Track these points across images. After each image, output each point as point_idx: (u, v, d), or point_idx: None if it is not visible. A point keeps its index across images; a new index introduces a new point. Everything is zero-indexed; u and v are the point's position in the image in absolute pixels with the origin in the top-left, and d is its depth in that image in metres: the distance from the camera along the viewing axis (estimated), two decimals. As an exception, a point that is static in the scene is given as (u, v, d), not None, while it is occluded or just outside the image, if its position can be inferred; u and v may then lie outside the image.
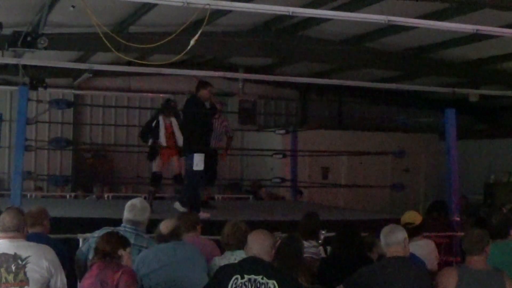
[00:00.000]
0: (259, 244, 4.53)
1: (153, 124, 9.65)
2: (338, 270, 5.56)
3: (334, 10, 9.59)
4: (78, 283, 5.47)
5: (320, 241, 6.66)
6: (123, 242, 4.74)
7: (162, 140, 9.51)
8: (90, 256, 5.30)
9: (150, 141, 9.75)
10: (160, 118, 9.63)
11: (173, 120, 9.69)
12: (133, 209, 5.53)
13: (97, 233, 5.44)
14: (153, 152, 9.66)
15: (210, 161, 10.13)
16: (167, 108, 9.81)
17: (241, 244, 5.18)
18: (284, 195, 14.42)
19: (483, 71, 14.39)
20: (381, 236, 4.87)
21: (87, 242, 5.58)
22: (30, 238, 4.73)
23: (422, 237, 6.87)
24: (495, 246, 5.49)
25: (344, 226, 6.27)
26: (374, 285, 4.65)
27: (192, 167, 8.81)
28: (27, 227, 4.77)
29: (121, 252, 4.65)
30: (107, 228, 5.43)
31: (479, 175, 15.86)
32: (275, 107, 18.25)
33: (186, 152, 9.07)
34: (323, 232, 6.69)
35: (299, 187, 13.41)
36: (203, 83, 9.35)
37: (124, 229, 5.41)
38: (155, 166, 9.71)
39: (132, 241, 5.07)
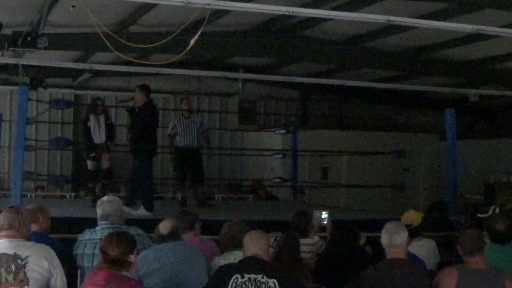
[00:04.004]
0: (256, 244, 4.54)
1: (88, 124, 9.95)
2: (334, 266, 5.58)
3: (334, 10, 9.59)
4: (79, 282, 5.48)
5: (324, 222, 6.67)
6: (133, 244, 4.46)
7: (94, 137, 9.88)
8: (86, 263, 5.26)
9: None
10: (91, 116, 9.94)
11: (101, 118, 9.98)
12: (101, 204, 5.56)
13: (89, 235, 5.41)
14: (90, 150, 9.99)
15: (194, 160, 10.37)
16: (96, 107, 10.07)
17: (239, 244, 5.19)
18: (284, 195, 14.41)
19: (483, 71, 14.39)
20: (385, 235, 4.79)
21: (80, 244, 5.47)
22: (29, 237, 4.72)
23: (422, 237, 6.86)
24: (496, 250, 5.48)
25: (339, 223, 6.26)
26: (377, 288, 4.64)
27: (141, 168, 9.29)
28: (28, 227, 4.75)
29: (131, 257, 4.40)
30: (92, 230, 5.44)
31: (479, 175, 15.86)
32: (275, 107, 18.25)
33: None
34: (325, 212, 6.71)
35: (300, 186, 13.42)
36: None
37: (100, 227, 5.39)
38: (90, 164, 10.08)
39: None
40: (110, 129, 10.14)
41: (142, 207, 9.08)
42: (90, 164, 10.14)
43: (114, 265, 4.32)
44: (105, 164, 10.07)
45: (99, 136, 9.91)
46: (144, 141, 9.31)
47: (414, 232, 6.50)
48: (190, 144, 10.47)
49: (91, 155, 10.06)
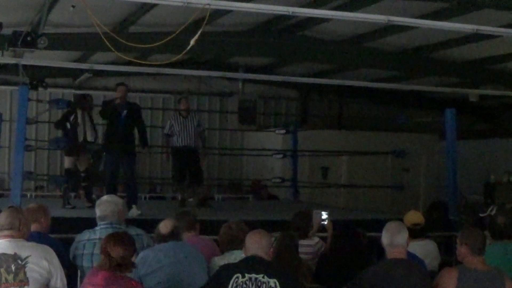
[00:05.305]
0: (257, 244, 4.54)
1: (71, 118, 9.62)
2: (335, 267, 5.57)
3: (334, 10, 9.59)
4: (79, 283, 5.48)
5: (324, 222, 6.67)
6: (135, 245, 4.47)
7: (80, 135, 9.56)
8: (85, 263, 5.28)
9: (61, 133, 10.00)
10: (79, 113, 9.60)
11: (88, 115, 9.72)
12: (99, 204, 5.56)
13: (88, 235, 5.42)
14: (71, 147, 9.68)
15: (192, 160, 10.39)
16: (85, 103, 9.75)
17: (238, 244, 5.19)
18: (284, 195, 14.41)
19: (483, 71, 14.39)
20: (386, 235, 4.78)
21: (79, 244, 5.46)
22: (29, 237, 4.71)
23: (423, 237, 6.87)
24: (495, 248, 5.48)
25: (343, 224, 6.26)
26: (378, 288, 4.63)
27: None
28: (28, 226, 4.74)
29: (134, 258, 4.42)
30: (91, 230, 5.45)
31: (479, 175, 15.85)
32: (275, 107, 18.26)
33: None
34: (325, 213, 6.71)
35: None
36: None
37: (99, 228, 5.40)
38: (68, 162, 9.88)
39: None
40: (94, 128, 9.78)
41: (134, 206, 9.11)
42: (67, 163, 9.85)
43: (119, 267, 4.32)
44: (83, 165, 9.74)
45: (85, 133, 9.55)
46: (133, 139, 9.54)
47: (420, 232, 6.52)
48: (188, 144, 10.48)
49: (70, 152, 9.73)
